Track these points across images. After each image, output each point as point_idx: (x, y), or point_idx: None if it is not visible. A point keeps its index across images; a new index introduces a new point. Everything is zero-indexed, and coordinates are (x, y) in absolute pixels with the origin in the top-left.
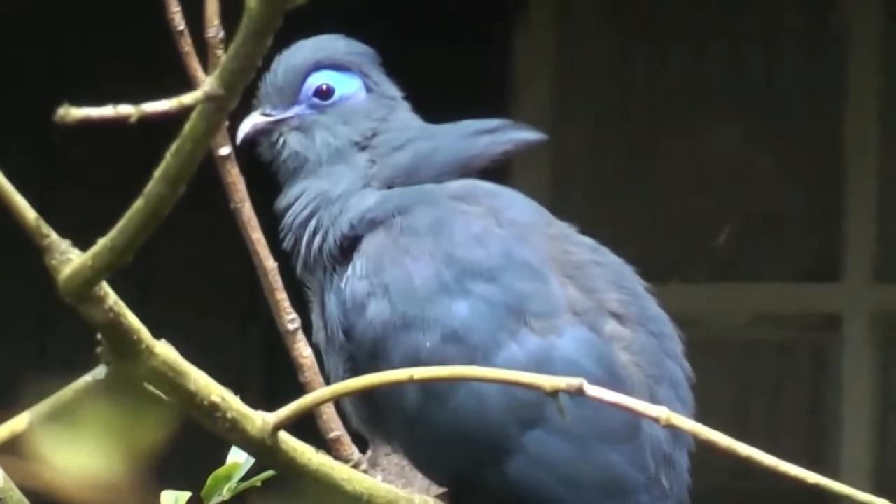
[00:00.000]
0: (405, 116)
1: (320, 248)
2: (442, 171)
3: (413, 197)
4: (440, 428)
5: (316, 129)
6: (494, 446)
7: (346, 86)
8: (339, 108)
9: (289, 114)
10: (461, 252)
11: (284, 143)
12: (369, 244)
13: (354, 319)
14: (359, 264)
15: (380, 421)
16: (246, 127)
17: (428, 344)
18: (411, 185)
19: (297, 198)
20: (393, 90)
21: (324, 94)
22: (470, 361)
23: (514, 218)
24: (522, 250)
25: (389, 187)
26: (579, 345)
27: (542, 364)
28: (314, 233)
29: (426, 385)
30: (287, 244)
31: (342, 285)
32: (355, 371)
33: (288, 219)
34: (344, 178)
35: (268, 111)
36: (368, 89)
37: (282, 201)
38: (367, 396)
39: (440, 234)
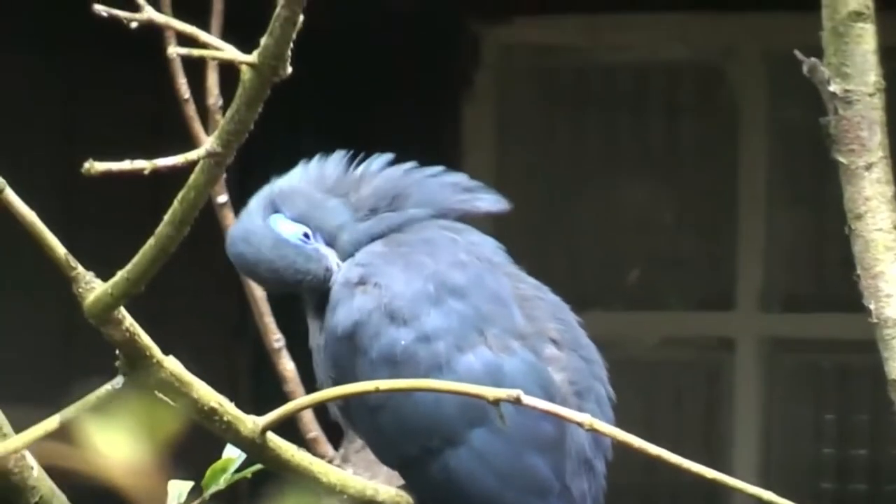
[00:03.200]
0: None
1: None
2: (420, 207)
3: (404, 218)
4: (400, 417)
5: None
6: (445, 438)
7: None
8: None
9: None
10: (444, 271)
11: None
12: (367, 249)
13: (338, 303)
14: (356, 259)
15: (349, 410)
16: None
17: (403, 342)
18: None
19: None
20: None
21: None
22: (436, 363)
23: (486, 255)
24: (492, 281)
25: (373, 210)
26: (525, 365)
27: (493, 375)
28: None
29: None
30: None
31: (332, 280)
32: (339, 371)
33: None
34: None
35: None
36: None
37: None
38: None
39: (431, 254)
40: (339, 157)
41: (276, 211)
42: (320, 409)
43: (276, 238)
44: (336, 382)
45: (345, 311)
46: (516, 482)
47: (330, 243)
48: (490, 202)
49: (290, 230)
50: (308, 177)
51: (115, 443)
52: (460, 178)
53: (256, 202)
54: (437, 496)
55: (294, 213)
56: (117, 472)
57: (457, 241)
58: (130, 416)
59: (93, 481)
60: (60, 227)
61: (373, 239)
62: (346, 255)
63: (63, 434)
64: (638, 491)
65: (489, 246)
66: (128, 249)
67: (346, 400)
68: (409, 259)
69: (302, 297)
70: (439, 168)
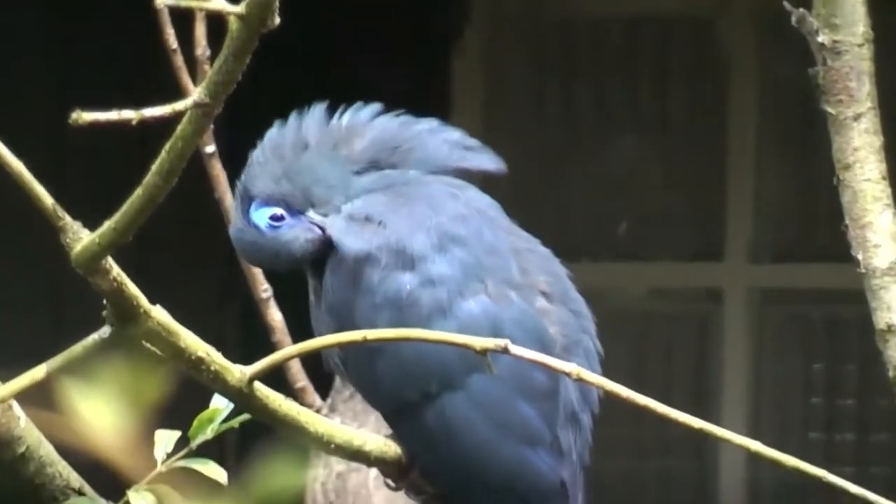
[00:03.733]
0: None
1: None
2: (421, 166)
3: (404, 178)
4: (400, 360)
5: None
6: (442, 381)
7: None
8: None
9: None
10: (446, 222)
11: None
12: (369, 198)
13: (344, 235)
14: (357, 203)
15: (346, 356)
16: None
17: (409, 286)
18: (394, 166)
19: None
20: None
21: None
22: (439, 308)
23: (483, 209)
24: (491, 234)
25: (374, 163)
26: (522, 315)
27: (493, 323)
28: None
29: (399, 322)
30: None
31: (332, 221)
32: (337, 320)
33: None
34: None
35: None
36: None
37: None
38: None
39: (433, 206)
40: (318, 112)
41: (251, 200)
42: (308, 360)
43: (253, 234)
44: (335, 332)
45: (353, 239)
46: (510, 430)
47: (314, 202)
48: (489, 161)
49: (262, 218)
50: (282, 140)
51: (99, 409)
52: (459, 135)
53: (235, 199)
54: (430, 446)
55: (263, 195)
56: (102, 438)
57: (457, 196)
58: (115, 381)
59: (79, 448)
60: (49, 179)
61: (371, 186)
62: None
63: (50, 402)
64: (626, 443)
65: (487, 201)
66: (116, 201)
67: (344, 347)
68: (411, 209)
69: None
70: (436, 122)
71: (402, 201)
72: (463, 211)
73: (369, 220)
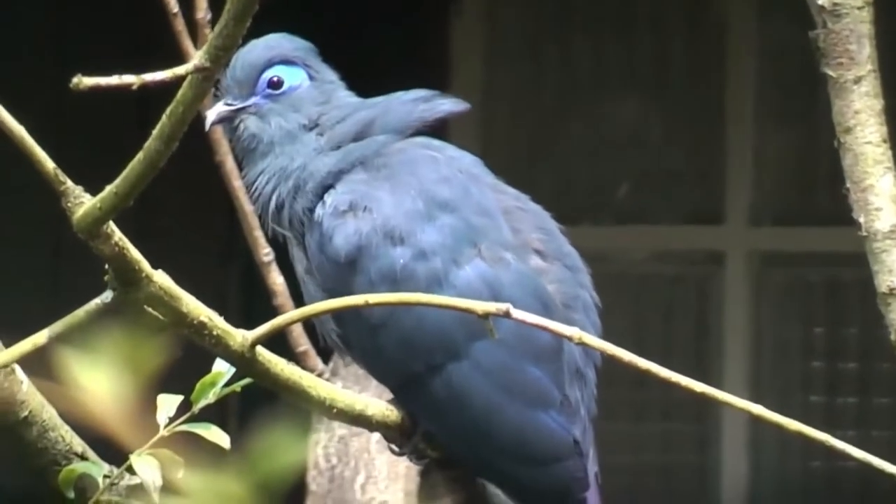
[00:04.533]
0: (344, 95)
1: (290, 216)
2: (385, 132)
3: (372, 147)
4: (402, 333)
5: (271, 115)
6: (446, 351)
7: (294, 77)
8: (289, 97)
9: (247, 103)
10: (431, 187)
11: (244, 127)
12: (349, 179)
13: (333, 231)
14: (340, 189)
15: (347, 333)
16: (212, 115)
17: (402, 261)
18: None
19: (258, 175)
20: (332, 76)
21: (275, 85)
22: (435, 278)
23: (466, 167)
24: (477, 193)
25: (339, 145)
26: (520, 276)
27: (491, 286)
28: (279, 207)
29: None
30: (257, 212)
31: (320, 213)
32: (331, 296)
33: (254, 194)
34: (298, 154)
35: (229, 101)
36: (311, 78)
37: (246, 178)
38: (337, 316)
39: (413, 173)
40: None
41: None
42: (310, 324)
43: (256, 66)
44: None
45: (342, 237)
46: (519, 394)
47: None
48: (450, 104)
49: (270, 75)
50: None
51: (100, 377)
52: (417, 92)
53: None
54: (440, 416)
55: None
56: (103, 406)
57: (436, 157)
58: (116, 353)
59: (80, 417)
60: (50, 145)
61: (341, 172)
62: (314, 181)
63: (51, 373)
64: (627, 406)
65: (468, 159)
66: (117, 166)
67: (343, 324)
68: (393, 181)
69: (284, 236)
70: (400, 92)
71: (383, 174)
72: (445, 172)
73: (354, 207)
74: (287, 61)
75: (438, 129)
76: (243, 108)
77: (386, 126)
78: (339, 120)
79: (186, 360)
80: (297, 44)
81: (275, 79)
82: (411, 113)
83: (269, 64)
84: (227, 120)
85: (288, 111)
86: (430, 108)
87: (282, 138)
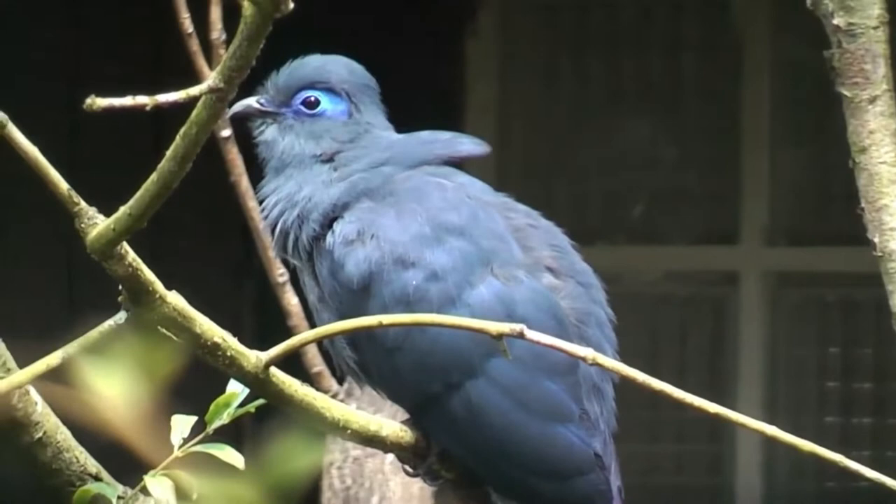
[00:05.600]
0: (375, 136)
1: (295, 244)
2: (395, 167)
3: (378, 179)
4: (419, 354)
5: (289, 132)
6: (463, 370)
7: (331, 105)
8: (316, 121)
9: (276, 111)
10: (438, 213)
11: (262, 131)
12: (355, 209)
13: (344, 259)
14: (347, 219)
15: (363, 358)
16: (239, 107)
17: (414, 283)
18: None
19: (269, 195)
20: (374, 118)
21: (310, 105)
22: (448, 299)
23: (475, 193)
24: (486, 218)
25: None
26: (534, 293)
27: (506, 304)
28: (285, 234)
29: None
30: (266, 231)
31: (330, 242)
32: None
33: (263, 211)
34: (306, 183)
35: (262, 101)
36: (349, 115)
37: (260, 192)
38: (352, 341)
39: (420, 200)
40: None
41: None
42: (324, 344)
43: (301, 81)
44: (346, 337)
45: (353, 264)
46: (537, 409)
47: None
48: (469, 146)
49: (309, 94)
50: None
51: (115, 386)
52: (437, 133)
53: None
54: (459, 435)
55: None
56: (118, 415)
57: (444, 184)
58: (131, 358)
59: (94, 426)
60: (63, 165)
61: (349, 202)
62: (318, 211)
63: (64, 378)
64: (641, 427)
65: (478, 185)
66: (131, 188)
67: (359, 350)
68: (399, 208)
69: (294, 264)
70: (424, 132)
71: (389, 202)
72: (452, 198)
73: (361, 234)
74: (332, 90)
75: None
76: (270, 114)
77: (397, 163)
78: (354, 159)
79: (201, 379)
80: (352, 75)
81: (311, 98)
82: (428, 153)
83: (313, 85)
84: (252, 117)
85: (306, 135)
86: (446, 148)
87: (291, 159)
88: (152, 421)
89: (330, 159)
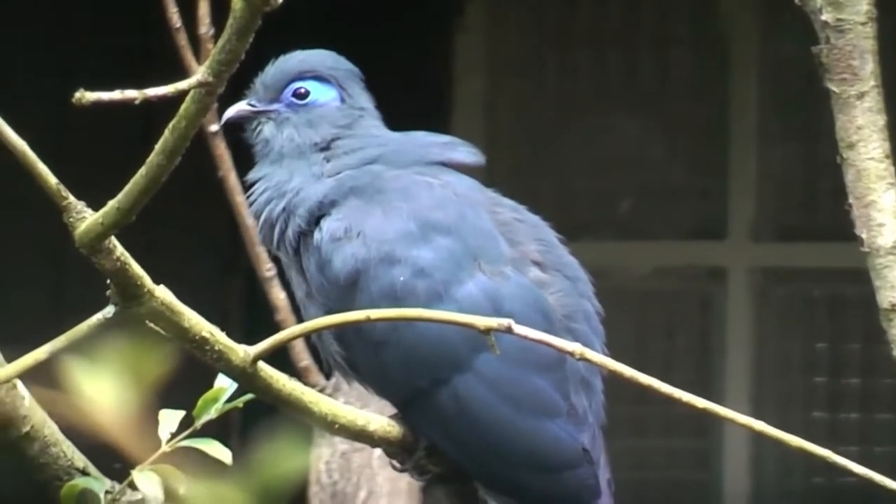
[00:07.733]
0: (370, 125)
1: (281, 236)
2: (386, 166)
3: (366, 177)
4: (406, 349)
5: (286, 125)
6: (451, 364)
7: (323, 94)
8: (310, 111)
9: (269, 108)
10: (424, 212)
11: (259, 131)
12: (343, 206)
13: (332, 254)
14: (335, 216)
15: (351, 353)
16: (231, 111)
17: (402, 278)
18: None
19: (256, 182)
20: (365, 103)
21: (300, 96)
22: (436, 294)
23: (463, 192)
24: (473, 215)
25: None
26: (521, 289)
27: (493, 300)
28: (272, 223)
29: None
30: (252, 217)
31: (318, 238)
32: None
33: (250, 197)
34: (297, 172)
35: (253, 102)
36: (342, 100)
37: (249, 176)
38: (339, 336)
39: (406, 198)
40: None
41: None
42: (312, 340)
43: (288, 75)
44: (334, 332)
45: (340, 260)
46: (525, 403)
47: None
48: (464, 154)
49: (298, 85)
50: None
51: (104, 389)
52: (436, 137)
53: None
54: (446, 430)
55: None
56: (106, 417)
57: (431, 183)
58: (119, 361)
59: (82, 428)
60: (52, 160)
61: (336, 199)
62: (305, 207)
63: (54, 380)
64: (629, 422)
65: (467, 183)
66: (120, 182)
67: (346, 345)
68: (386, 206)
69: (280, 258)
70: (420, 133)
71: (376, 200)
72: (439, 196)
73: (349, 231)
74: (321, 78)
75: None
76: (263, 112)
77: (390, 163)
78: (350, 150)
79: (188, 375)
80: (337, 63)
81: (301, 90)
82: (422, 156)
83: (301, 76)
84: (246, 119)
85: (304, 125)
86: (441, 155)
87: (290, 150)
88: (141, 423)
89: (327, 146)
